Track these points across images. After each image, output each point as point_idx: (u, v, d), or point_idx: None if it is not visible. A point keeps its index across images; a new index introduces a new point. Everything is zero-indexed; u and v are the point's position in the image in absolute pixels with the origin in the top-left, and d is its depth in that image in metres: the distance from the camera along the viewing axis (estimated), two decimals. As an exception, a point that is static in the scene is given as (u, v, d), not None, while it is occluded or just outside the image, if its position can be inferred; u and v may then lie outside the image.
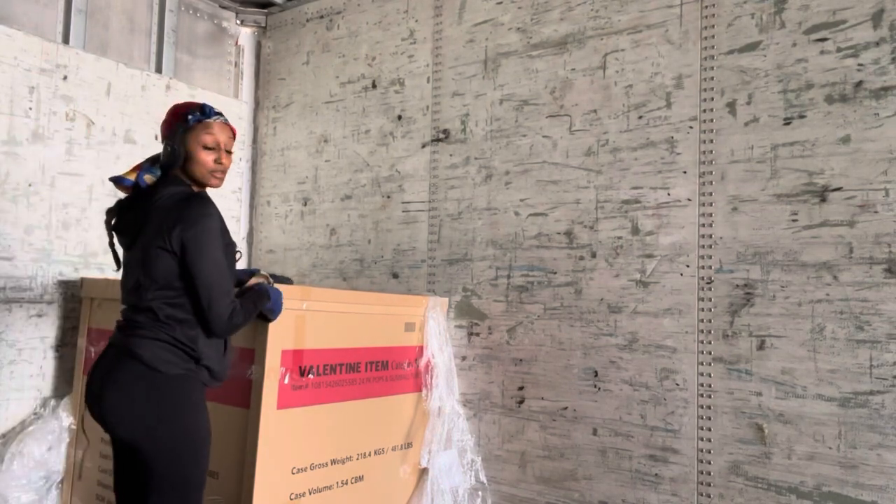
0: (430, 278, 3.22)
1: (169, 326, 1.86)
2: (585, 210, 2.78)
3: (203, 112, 1.95)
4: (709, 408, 2.44)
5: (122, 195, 2.02)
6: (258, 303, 2.05)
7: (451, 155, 3.21)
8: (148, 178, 1.96)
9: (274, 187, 3.96)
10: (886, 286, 2.16)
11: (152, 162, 1.99)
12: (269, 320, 2.22)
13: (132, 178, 1.96)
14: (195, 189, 1.98)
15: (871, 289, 2.18)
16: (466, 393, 3.04)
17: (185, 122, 1.94)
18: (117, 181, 1.97)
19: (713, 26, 2.54)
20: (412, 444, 2.90)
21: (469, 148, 3.15)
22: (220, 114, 2.01)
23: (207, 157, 1.95)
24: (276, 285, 2.23)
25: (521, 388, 2.89)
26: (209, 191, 2.04)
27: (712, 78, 2.53)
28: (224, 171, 2.00)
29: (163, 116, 2.05)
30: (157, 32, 3.72)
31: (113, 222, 2.01)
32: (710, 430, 2.43)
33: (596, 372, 2.69)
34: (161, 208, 1.89)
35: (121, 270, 2.01)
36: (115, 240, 2.02)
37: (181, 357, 1.87)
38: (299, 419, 2.41)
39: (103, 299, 3.02)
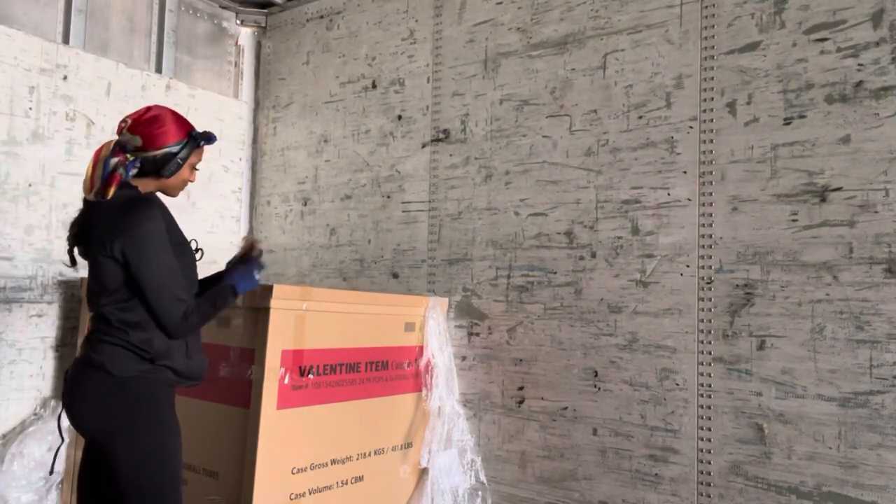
0: (430, 278, 3.22)
1: (121, 331, 1.86)
2: (585, 210, 2.78)
3: (210, 141, 2.03)
4: (709, 408, 2.44)
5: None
6: (219, 302, 2.00)
7: (451, 155, 3.21)
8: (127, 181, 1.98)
9: (274, 187, 3.96)
10: (886, 286, 2.16)
11: (125, 163, 1.91)
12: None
13: (111, 193, 1.92)
14: (141, 192, 1.95)
15: (871, 289, 2.18)
16: (466, 393, 3.04)
17: (195, 140, 1.99)
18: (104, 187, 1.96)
19: (713, 26, 2.54)
20: (412, 444, 2.90)
21: (469, 148, 3.15)
22: None
23: (191, 176, 2.04)
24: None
25: (521, 388, 2.89)
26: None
27: (712, 78, 2.53)
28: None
29: None
30: (157, 32, 3.72)
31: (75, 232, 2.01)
32: (710, 430, 2.43)
33: (596, 372, 2.69)
34: (104, 214, 1.87)
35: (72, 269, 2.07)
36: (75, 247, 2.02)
37: (135, 359, 1.86)
38: (299, 419, 2.40)
39: (103, 299, 3.02)
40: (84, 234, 1.95)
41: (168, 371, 1.92)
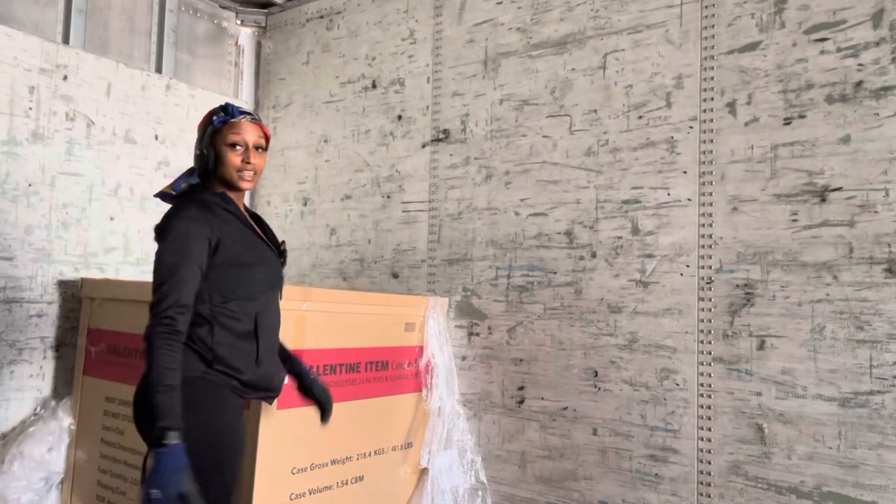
0: (430, 278, 3.22)
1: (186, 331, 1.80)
2: (585, 210, 2.78)
3: (227, 112, 1.91)
4: (709, 408, 2.44)
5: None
6: (166, 404, 1.63)
7: (451, 155, 3.21)
8: (184, 186, 1.95)
9: (274, 187, 3.95)
10: (886, 286, 2.16)
11: (191, 171, 1.97)
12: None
13: (169, 190, 1.95)
14: (217, 191, 1.93)
15: (871, 289, 2.18)
16: (466, 393, 3.04)
17: (211, 124, 1.90)
18: (162, 196, 1.97)
19: (713, 26, 2.54)
20: (412, 444, 2.90)
21: (469, 148, 3.15)
22: (247, 113, 1.95)
23: (234, 157, 1.88)
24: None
25: (521, 388, 2.89)
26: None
27: (712, 78, 2.53)
28: (254, 171, 1.91)
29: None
30: (157, 32, 3.72)
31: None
32: (710, 430, 2.43)
33: (596, 372, 2.69)
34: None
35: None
36: None
37: (198, 360, 1.79)
38: (299, 419, 2.40)
39: (103, 299, 3.02)
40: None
41: (232, 378, 1.83)
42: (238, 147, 1.89)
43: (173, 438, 1.58)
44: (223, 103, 1.96)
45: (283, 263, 2.02)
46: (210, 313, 1.81)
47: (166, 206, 1.97)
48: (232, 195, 1.95)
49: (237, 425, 1.87)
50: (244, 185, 1.92)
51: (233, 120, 1.89)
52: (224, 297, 1.84)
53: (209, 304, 1.81)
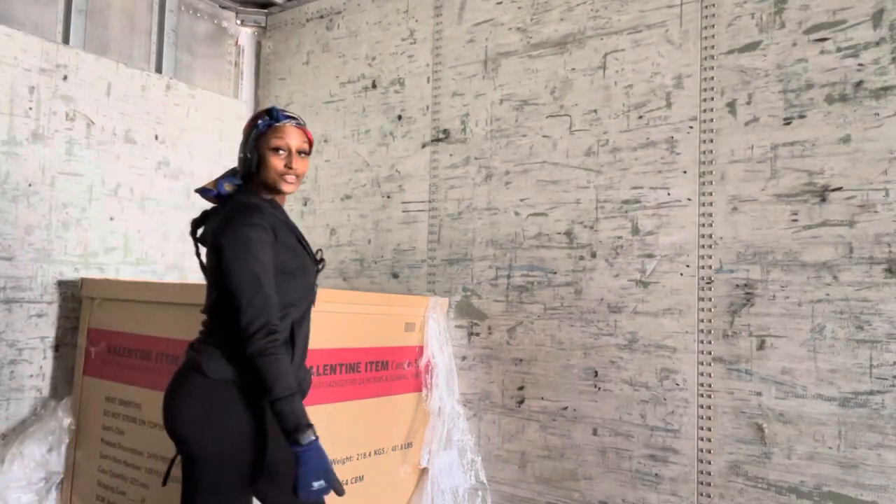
0: (430, 278, 3.22)
1: (220, 332, 1.81)
2: (585, 210, 2.78)
3: (271, 115, 1.90)
4: (709, 408, 2.44)
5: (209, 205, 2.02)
6: (296, 406, 1.68)
7: (451, 155, 3.21)
8: (227, 187, 1.95)
9: (274, 187, 3.95)
10: (886, 286, 2.16)
11: (234, 172, 1.97)
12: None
13: (212, 187, 1.95)
14: (265, 197, 1.93)
15: (871, 289, 2.18)
16: (466, 393, 3.04)
17: (255, 127, 1.90)
18: (203, 192, 1.97)
19: (713, 26, 2.54)
20: (412, 444, 2.90)
21: (469, 148, 3.15)
22: (292, 117, 1.95)
23: (277, 161, 1.87)
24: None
25: (521, 388, 2.89)
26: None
27: (712, 78, 2.53)
28: (297, 176, 1.90)
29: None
30: (157, 32, 3.72)
31: (198, 233, 1.99)
32: (710, 430, 2.43)
33: (596, 372, 2.69)
34: (220, 217, 1.87)
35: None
36: (200, 249, 1.99)
37: (230, 363, 1.78)
38: (299, 419, 2.40)
39: (103, 299, 3.02)
40: (205, 234, 1.94)
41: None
42: (281, 151, 1.88)
43: (312, 435, 1.64)
44: (269, 107, 1.95)
45: (319, 272, 2.01)
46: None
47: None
48: (277, 199, 1.97)
49: (266, 430, 1.85)
50: (287, 188, 1.91)
51: (277, 124, 1.89)
52: (284, 301, 1.84)
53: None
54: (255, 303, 1.70)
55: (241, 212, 1.82)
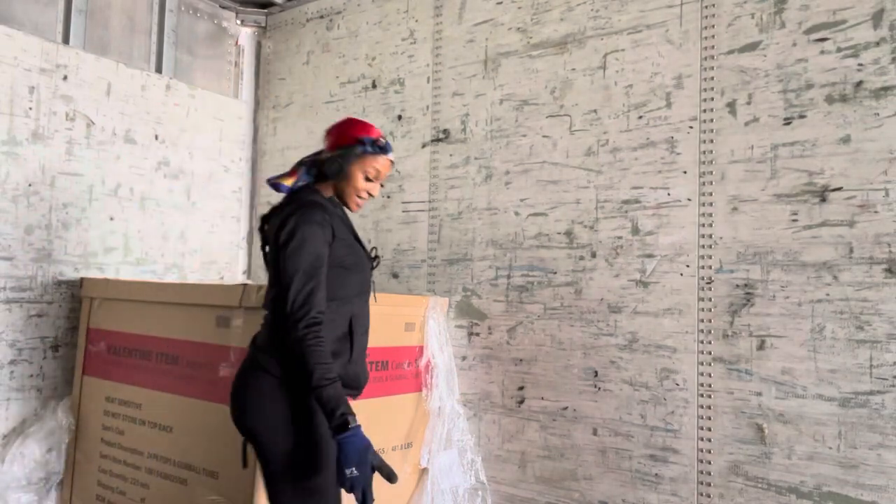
0: (430, 278, 3.22)
1: (280, 327, 1.83)
2: (585, 210, 2.78)
3: (384, 148, 1.97)
4: (709, 408, 2.44)
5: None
6: (335, 393, 1.72)
7: (451, 155, 3.21)
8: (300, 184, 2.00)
9: (274, 187, 3.95)
10: (886, 286, 2.16)
11: (308, 168, 2.00)
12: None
13: (288, 184, 1.97)
14: (327, 195, 1.99)
15: (871, 289, 2.18)
16: (466, 393, 3.04)
17: (363, 146, 1.95)
18: (275, 187, 1.99)
19: (713, 26, 2.54)
20: (412, 444, 2.90)
21: (469, 148, 3.15)
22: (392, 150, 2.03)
23: (363, 185, 1.97)
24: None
25: (521, 388, 2.89)
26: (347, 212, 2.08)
27: (712, 78, 2.53)
28: (366, 200, 2.02)
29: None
30: (157, 32, 3.72)
31: (265, 227, 2.04)
32: (710, 430, 2.43)
33: (596, 372, 2.69)
34: (283, 210, 1.92)
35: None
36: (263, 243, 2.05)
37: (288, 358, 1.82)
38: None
39: (103, 299, 3.02)
40: (267, 228, 1.99)
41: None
42: (371, 181, 1.98)
43: (353, 422, 1.68)
44: (381, 135, 1.99)
45: (374, 268, 2.07)
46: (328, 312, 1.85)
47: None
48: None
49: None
50: (354, 209, 2.02)
51: (384, 157, 1.98)
52: (342, 295, 1.91)
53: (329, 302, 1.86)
54: (302, 294, 1.76)
55: (304, 209, 1.87)
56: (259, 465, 1.89)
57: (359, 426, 1.69)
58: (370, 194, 2.00)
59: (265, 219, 2.02)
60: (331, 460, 1.80)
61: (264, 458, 1.86)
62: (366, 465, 1.68)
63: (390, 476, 1.73)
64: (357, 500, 1.71)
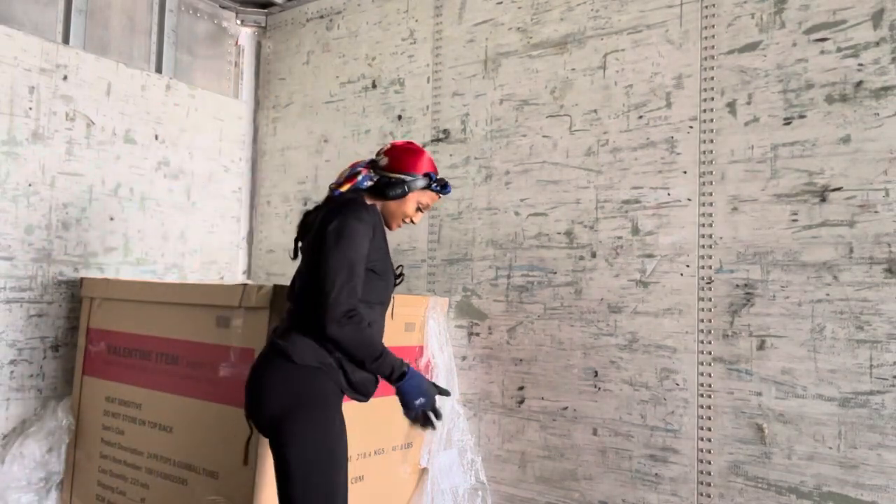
0: (430, 278, 3.22)
1: (308, 319, 1.89)
2: (585, 210, 2.78)
3: (444, 188, 2.12)
4: (709, 408, 2.44)
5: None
6: (380, 359, 1.92)
7: (451, 155, 3.21)
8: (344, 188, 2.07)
9: (274, 187, 3.96)
10: (886, 286, 2.16)
11: (366, 173, 2.06)
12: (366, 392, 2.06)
13: (344, 190, 2.04)
14: (369, 202, 2.06)
15: (871, 289, 2.18)
16: (466, 393, 3.04)
17: (430, 181, 2.09)
18: (338, 193, 2.06)
19: (713, 26, 2.54)
20: (412, 444, 2.90)
21: (469, 148, 3.15)
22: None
23: (412, 213, 2.11)
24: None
25: (521, 388, 2.89)
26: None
27: (712, 78, 2.53)
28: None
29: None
30: (157, 32, 3.72)
31: (307, 220, 2.12)
32: (710, 430, 2.43)
33: (596, 372, 2.69)
34: (330, 206, 1.99)
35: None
36: (299, 237, 2.16)
37: (317, 350, 1.89)
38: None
39: (103, 299, 3.02)
40: (309, 223, 2.08)
41: (342, 374, 1.93)
42: (421, 211, 2.14)
43: (407, 368, 1.96)
44: (444, 179, 2.14)
45: (398, 284, 2.17)
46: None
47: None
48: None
49: (343, 422, 1.94)
50: (394, 228, 2.14)
51: (441, 195, 2.15)
52: (367, 299, 1.96)
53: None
54: (346, 288, 1.84)
55: (352, 206, 1.96)
56: (274, 458, 1.88)
57: (410, 367, 1.96)
58: (414, 222, 2.14)
59: (308, 214, 2.12)
60: (344, 460, 1.87)
61: (280, 449, 1.85)
62: (427, 392, 1.97)
63: (445, 393, 2.08)
64: (429, 421, 2.00)
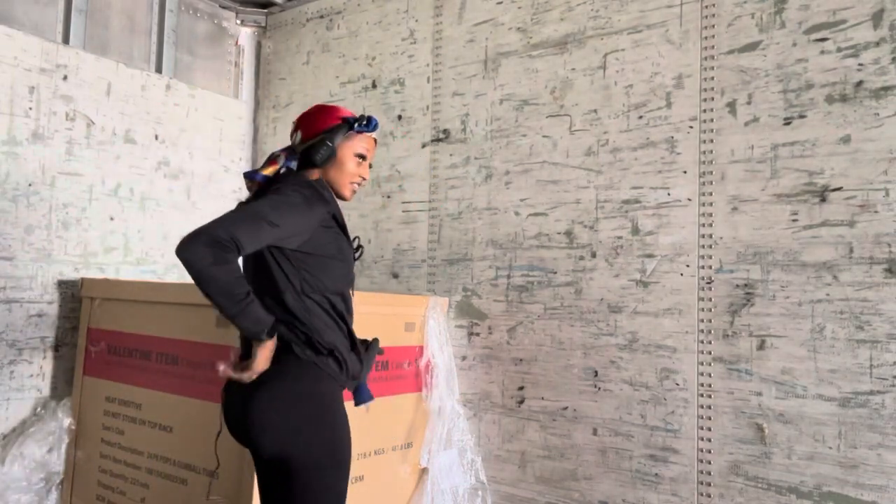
0: (430, 278, 3.22)
1: (292, 316, 1.76)
2: (585, 210, 2.78)
3: (369, 123, 1.89)
4: (709, 408, 2.44)
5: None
6: (253, 307, 1.63)
7: (451, 155, 3.21)
8: (282, 170, 1.88)
9: (274, 187, 3.95)
10: (886, 286, 2.16)
11: (287, 155, 1.88)
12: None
13: (268, 174, 1.85)
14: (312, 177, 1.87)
15: (871, 289, 2.18)
16: (466, 393, 3.04)
17: (347, 125, 1.87)
18: (250, 176, 1.89)
19: (713, 26, 2.54)
20: (412, 444, 2.90)
21: (469, 148, 3.15)
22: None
23: (356, 168, 1.89)
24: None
25: (521, 388, 2.89)
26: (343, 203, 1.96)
27: (712, 78, 2.53)
28: (360, 185, 1.93)
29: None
30: (157, 32, 3.71)
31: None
32: (710, 429, 2.43)
33: (596, 372, 2.69)
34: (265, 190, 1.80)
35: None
36: None
37: (305, 346, 1.75)
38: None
39: (103, 299, 3.02)
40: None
41: (339, 364, 1.79)
42: (361, 160, 1.90)
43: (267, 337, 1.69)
44: (366, 114, 1.92)
45: (357, 259, 1.96)
46: (321, 301, 1.79)
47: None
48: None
49: (344, 418, 1.82)
50: (349, 196, 1.92)
51: (369, 133, 1.90)
52: (331, 287, 1.81)
53: (320, 293, 1.78)
54: (238, 224, 1.60)
55: (298, 183, 1.77)
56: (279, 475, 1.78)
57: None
58: (365, 177, 1.92)
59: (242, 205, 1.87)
60: (346, 461, 1.77)
61: (283, 450, 1.73)
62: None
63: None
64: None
